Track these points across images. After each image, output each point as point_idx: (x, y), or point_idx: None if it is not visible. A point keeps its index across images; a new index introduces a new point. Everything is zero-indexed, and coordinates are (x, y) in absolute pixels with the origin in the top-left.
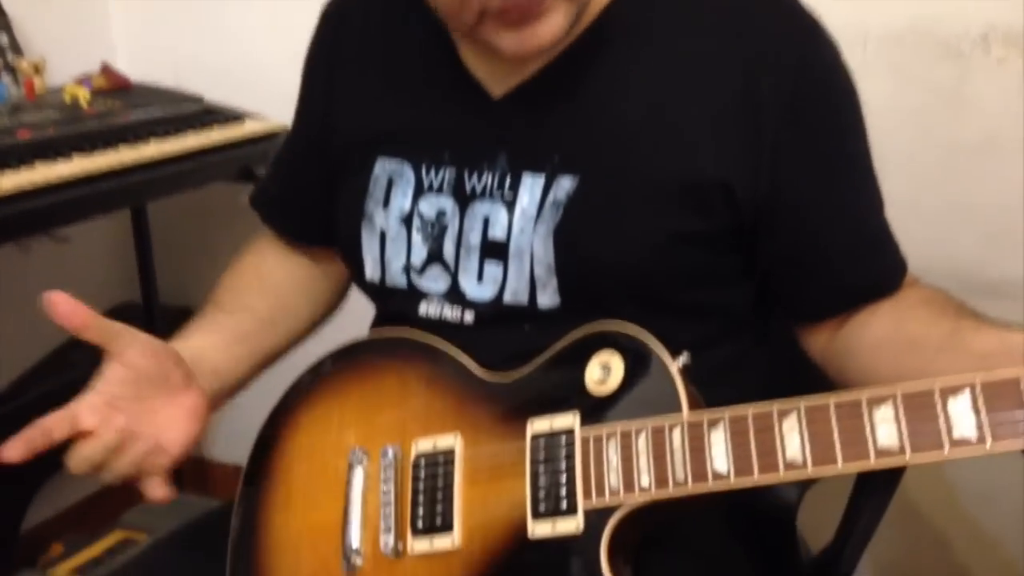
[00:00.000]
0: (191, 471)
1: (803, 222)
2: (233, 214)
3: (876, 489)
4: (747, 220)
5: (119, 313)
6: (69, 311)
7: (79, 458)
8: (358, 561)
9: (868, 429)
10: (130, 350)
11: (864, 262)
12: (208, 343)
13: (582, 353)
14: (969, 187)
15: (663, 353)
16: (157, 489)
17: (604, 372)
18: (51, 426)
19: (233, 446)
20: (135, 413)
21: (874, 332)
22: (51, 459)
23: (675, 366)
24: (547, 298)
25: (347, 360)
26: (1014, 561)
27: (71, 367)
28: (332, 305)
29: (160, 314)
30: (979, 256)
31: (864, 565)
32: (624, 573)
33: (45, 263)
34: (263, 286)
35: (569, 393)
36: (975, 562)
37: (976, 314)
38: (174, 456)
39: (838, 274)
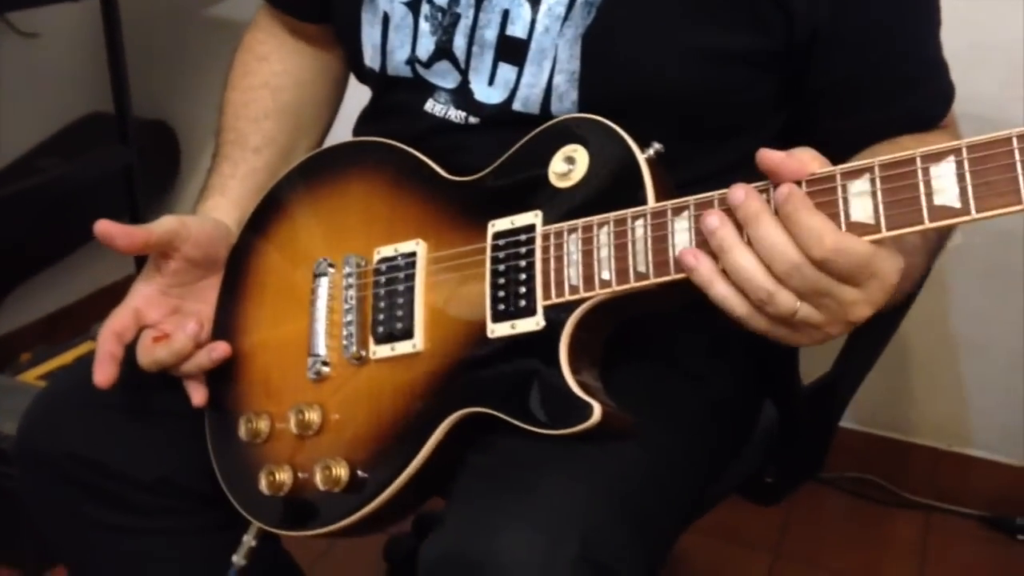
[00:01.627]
0: None
1: (863, 47)
2: (211, 24)
3: (878, 321)
4: (802, 40)
5: (89, 123)
6: (126, 239)
7: (150, 359)
8: (324, 369)
9: (841, 204)
10: (185, 245)
11: (917, 90)
12: (247, 194)
13: (546, 147)
14: (992, 27)
15: (630, 142)
16: (197, 394)
17: (568, 164)
18: (119, 331)
19: None
20: (187, 296)
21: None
22: (12, 270)
23: (643, 156)
24: (562, 110)
25: (314, 171)
26: (996, 412)
27: (38, 172)
28: (336, 107)
29: (133, 127)
30: (999, 97)
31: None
32: (590, 373)
33: (12, 61)
34: (279, 107)
35: (532, 189)
36: (956, 412)
37: None
38: None
39: (889, 103)
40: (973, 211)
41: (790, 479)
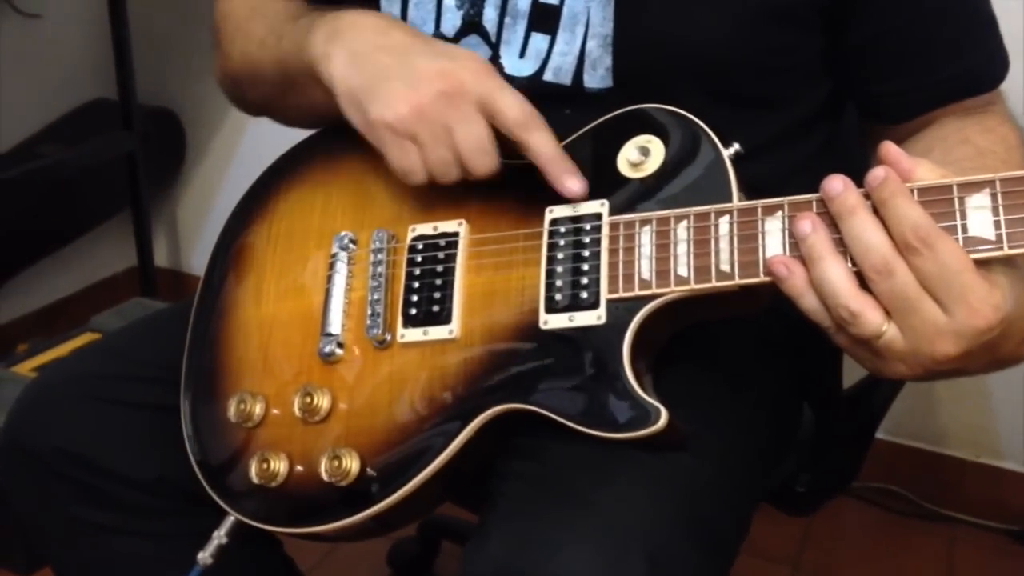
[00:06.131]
0: (167, 283)
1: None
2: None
3: None
4: None
5: (92, 109)
6: None
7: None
8: (337, 349)
9: (959, 216)
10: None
11: (967, 53)
12: None
13: (617, 134)
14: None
15: (714, 138)
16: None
17: (642, 154)
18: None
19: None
20: None
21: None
22: (11, 258)
23: (728, 152)
24: (595, 80)
25: (334, 142)
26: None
27: (39, 158)
28: None
29: (137, 113)
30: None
31: None
32: (644, 380)
33: (14, 43)
34: None
35: (597, 177)
36: (983, 423)
37: None
38: None
39: (934, 66)
40: None
41: (824, 489)
